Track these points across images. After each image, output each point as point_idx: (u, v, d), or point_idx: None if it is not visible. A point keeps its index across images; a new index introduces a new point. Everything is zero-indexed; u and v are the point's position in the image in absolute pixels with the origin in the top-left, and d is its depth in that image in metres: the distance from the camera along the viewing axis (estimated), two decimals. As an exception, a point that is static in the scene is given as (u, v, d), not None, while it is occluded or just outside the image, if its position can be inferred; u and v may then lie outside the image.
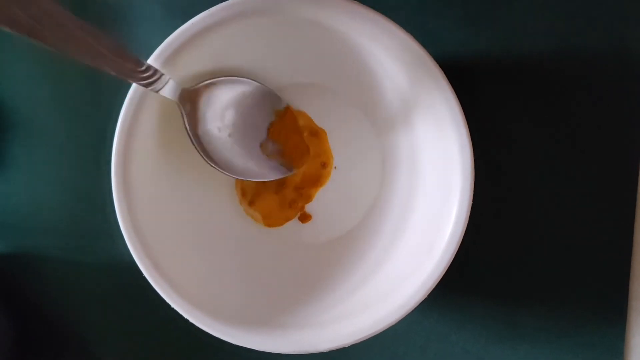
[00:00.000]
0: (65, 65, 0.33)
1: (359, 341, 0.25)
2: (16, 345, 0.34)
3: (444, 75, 0.24)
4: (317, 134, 0.31)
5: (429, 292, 0.24)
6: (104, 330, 0.34)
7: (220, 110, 0.26)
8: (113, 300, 0.33)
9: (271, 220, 0.31)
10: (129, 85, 0.24)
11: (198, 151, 0.26)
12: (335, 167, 0.31)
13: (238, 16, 0.24)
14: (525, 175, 0.31)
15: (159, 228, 0.26)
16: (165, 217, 0.27)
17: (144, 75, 0.22)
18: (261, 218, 0.31)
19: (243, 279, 0.29)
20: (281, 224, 0.31)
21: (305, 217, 0.31)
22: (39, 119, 0.33)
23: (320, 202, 0.31)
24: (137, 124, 0.25)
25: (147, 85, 0.23)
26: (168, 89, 0.24)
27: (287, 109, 0.27)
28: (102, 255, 0.33)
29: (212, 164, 0.26)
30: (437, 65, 0.24)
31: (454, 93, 0.24)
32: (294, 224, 0.31)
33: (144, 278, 0.25)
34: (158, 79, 0.23)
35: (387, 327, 0.25)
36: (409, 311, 0.24)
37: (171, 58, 0.24)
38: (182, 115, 0.25)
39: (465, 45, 0.31)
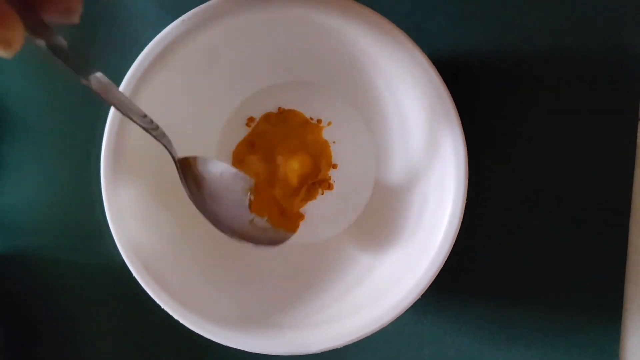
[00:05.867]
0: (55, 66, 0.32)
1: (351, 342, 0.24)
2: (7, 345, 0.34)
3: (437, 73, 0.24)
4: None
5: (422, 293, 0.24)
6: (95, 331, 0.33)
7: (210, 187, 0.26)
8: (104, 301, 0.33)
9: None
10: (118, 85, 0.24)
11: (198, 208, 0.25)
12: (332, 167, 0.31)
13: (229, 13, 0.23)
14: (520, 175, 0.31)
15: (149, 228, 0.26)
16: (155, 218, 0.27)
17: (149, 125, 0.22)
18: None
19: (234, 279, 0.28)
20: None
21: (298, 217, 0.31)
22: (29, 118, 0.33)
23: (314, 201, 0.31)
24: (126, 124, 0.24)
25: (147, 131, 0.23)
26: (166, 143, 0.24)
27: (256, 185, 0.28)
28: (92, 255, 0.33)
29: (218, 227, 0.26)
30: (432, 64, 0.24)
31: (448, 91, 0.24)
32: (287, 224, 0.31)
33: (135, 278, 0.25)
34: (156, 129, 0.23)
35: (380, 328, 0.24)
36: (402, 312, 0.24)
37: (162, 55, 0.24)
38: (180, 174, 0.25)
39: (460, 44, 0.31)
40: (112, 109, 0.24)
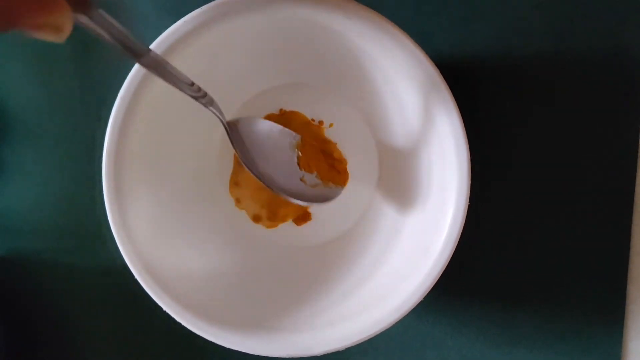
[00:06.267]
0: (56, 67, 0.32)
1: (353, 345, 0.24)
2: (7, 347, 0.34)
3: (440, 74, 0.23)
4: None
5: (425, 295, 0.24)
6: (95, 332, 0.33)
7: (258, 148, 0.26)
8: (105, 302, 0.33)
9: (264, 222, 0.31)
10: (120, 87, 0.24)
11: (254, 174, 0.25)
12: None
13: (230, 14, 0.23)
14: (522, 177, 0.31)
15: (150, 230, 0.26)
16: (157, 219, 0.27)
17: (197, 94, 0.23)
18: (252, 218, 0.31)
19: (237, 281, 0.28)
20: (275, 225, 0.31)
21: (300, 219, 0.31)
22: (30, 120, 0.33)
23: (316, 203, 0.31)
24: (128, 126, 0.24)
25: (196, 99, 0.23)
26: (215, 109, 0.24)
27: (303, 140, 0.28)
28: (93, 257, 0.33)
29: (275, 189, 0.25)
30: (434, 65, 0.23)
31: (450, 92, 0.23)
32: (289, 225, 0.31)
33: (137, 280, 0.25)
34: (204, 96, 0.23)
35: (382, 331, 0.24)
36: (405, 314, 0.24)
37: (163, 56, 0.24)
38: (230, 137, 0.25)
39: (462, 45, 0.30)
40: (113, 110, 0.24)
